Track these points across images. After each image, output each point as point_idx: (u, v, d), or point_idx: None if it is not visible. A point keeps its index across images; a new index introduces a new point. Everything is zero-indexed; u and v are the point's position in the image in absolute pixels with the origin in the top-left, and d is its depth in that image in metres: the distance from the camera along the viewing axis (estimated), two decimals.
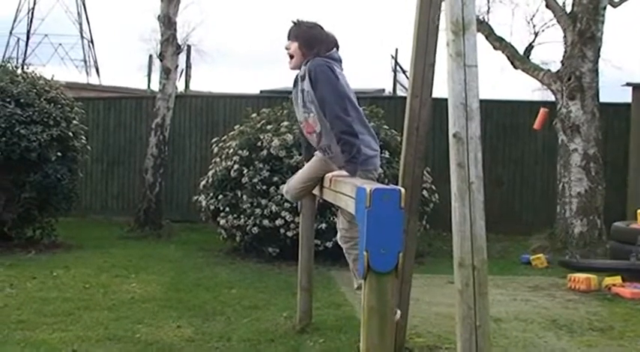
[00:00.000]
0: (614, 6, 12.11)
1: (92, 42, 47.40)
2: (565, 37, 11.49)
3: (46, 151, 9.96)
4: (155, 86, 15.22)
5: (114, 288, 7.57)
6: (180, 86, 16.20)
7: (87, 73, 44.23)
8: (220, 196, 9.82)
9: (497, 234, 11.16)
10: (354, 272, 4.78)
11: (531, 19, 13.34)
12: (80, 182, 11.46)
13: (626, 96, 13.36)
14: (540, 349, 5.78)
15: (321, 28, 4.63)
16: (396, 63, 17.68)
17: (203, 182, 10.31)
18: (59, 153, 10.16)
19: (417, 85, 4.89)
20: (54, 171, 10.06)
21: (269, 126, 9.88)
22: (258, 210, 9.41)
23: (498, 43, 12.55)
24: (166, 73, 12.97)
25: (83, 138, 10.91)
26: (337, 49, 4.63)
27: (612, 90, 13.63)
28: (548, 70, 11.97)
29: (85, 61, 46.63)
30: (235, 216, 9.61)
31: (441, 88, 4.86)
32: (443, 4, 4.42)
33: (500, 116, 13.74)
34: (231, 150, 9.90)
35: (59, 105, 10.49)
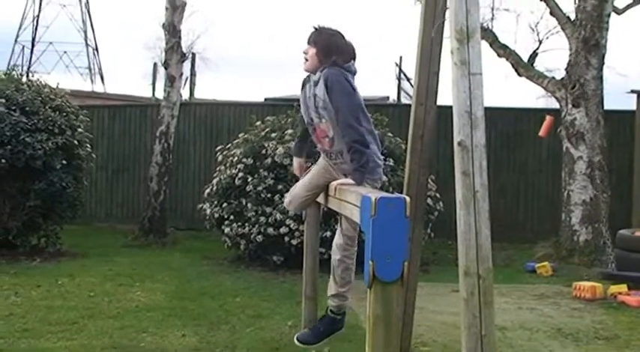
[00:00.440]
0: (619, 13, 12.11)
1: (97, 50, 47.60)
2: (569, 44, 11.49)
3: (51, 159, 9.97)
4: (160, 94, 15.22)
5: (118, 297, 7.57)
6: (185, 94, 16.22)
7: (92, 81, 44.43)
8: (225, 204, 9.81)
9: (501, 242, 11.13)
10: (336, 278, 4.75)
11: (535, 27, 13.33)
12: (85, 190, 11.47)
13: (630, 103, 13.36)
14: None
15: (342, 37, 4.64)
16: (400, 71, 17.69)
17: (207, 190, 10.31)
18: (64, 161, 10.18)
19: (421, 92, 4.89)
20: (59, 179, 10.07)
21: (273, 134, 9.88)
22: (262, 218, 9.40)
23: (502, 50, 12.55)
24: (171, 80, 12.99)
25: (88, 146, 10.93)
26: (354, 60, 4.65)
27: (617, 98, 13.62)
28: (553, 78, 11.96)
29: (90, 69, 46.84)
30: (240, 224, 9.60)
31: (445, 96, 4.87)
32: (447, 12, 4.42)
33: (505, 124, 13.72)
34: (236, 158, 9.90)
35: (64, 114, 10.51)
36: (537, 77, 12.18)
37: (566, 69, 11.49)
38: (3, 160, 9.66)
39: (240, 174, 9.68)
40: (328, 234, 8.74)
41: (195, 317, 6.69)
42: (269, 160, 9.56)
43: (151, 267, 9.54)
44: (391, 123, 10.95)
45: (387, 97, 17.96)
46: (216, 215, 9.95)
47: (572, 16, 11.54)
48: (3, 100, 9.93)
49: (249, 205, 9.53)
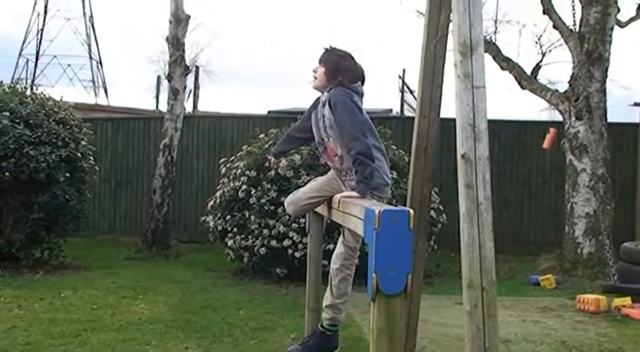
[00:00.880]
0: (622, 26, 12.12)
1: (101, 63, 47.69)
2: (572, 57, 11.50)
3: (54, 172, 9.98)
4: (163, 107, 15.29)
5: (121, 309, 7.56)
6: (189, 107, 16.26)
7: (95, 94, 44.49)
8: (228, 217, 9.81)
9: (505, 255, 11.11)
10: (332, 289, 4.74)
11: (539, 40, 13.36)
12: (88, 202, 11.49)
13: (633, 116, 13.37)
14: None
15: (352, 59, 4.71)
16: (404, 83, 17.72)
17: (211, 202, 10.31)
18: (68, 174, 10.19)
19: (424, 105, 4.89)
20: (62, 191, 10.09)
21: None
22: (265, 231, 9.40)
23: (506, 63, 12.57)
24: (174, 93, 13.03)
25: (91, 158, 10.95)
26: (363, 82, 4.69)
27: (620, 110, 13.65)
28: (556, 90, 11.97)
29: (94, 82, 46.89)
30: (243, 236, 9.60)
31: (447, 108, 4.88)
32: (450, 25, 4.43)
33: (508, 136, 13.73)
34: (239, 171, 9.91)
35: (68, 126, 10.54)
36: (540, 90, 12.19)
37: (569, 82, 11.50)
38: (7, 173, 9.67)
39: (244, 187, 9.69)
40: (332, 246, 8.71)
41: (198, 330, 6.68)
42: (272, 173, 9.56)
43: (154, 280, 9.53)
44: (394, 135, 10.97)
45: (391, 110, 17.99)
46: (220, 227, 9.95)
47: (576, 29, 11.55)
48: (7, 113, 9.96)
49: (252, 218, 9.54)
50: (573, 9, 8.55)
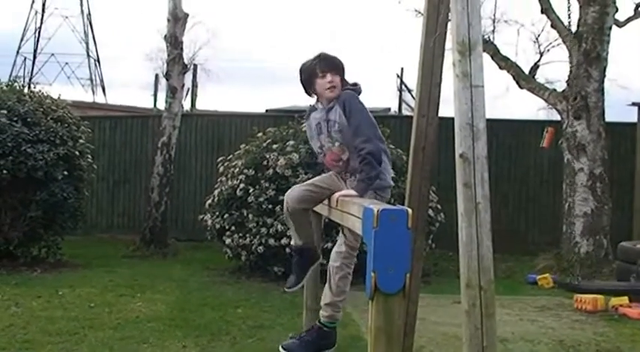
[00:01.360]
0: (620, 26, 12.13)
1: (98, 61, 47.69)
2: (570, 57, 11.52)
3: (52, 170, 9.98)
4: (161, 105, 15.27)
5: (119, 307, 7.56)
6: (187, 105, 16.26)
7: (93, 92, 44.50)
8: (226, 215, 9.81)
9: (502, 254, 11.10)
10: (332, 287, 4.72)
11: (537, 39, 13.37)
12: (86, 200, 11.48)
13: (631, 115, 13.38)
14: None
15: None
16: (402, 82, 17.72)
17: (209, 201, 10.31)
18: (65, 172, 10.19)
19: (423, 104, 4.88)
20: (60, 189, 10.08)
21: (275, 146, 9.89)
22: (263, 229, 9.40)
23: (504, 62, 12.58)
24: (173, 92, 13.02)
25: (89, 156, 10.95)
26: None
27: (618, 110, 13.65)
28: (554, 90, 11.99)
29: (92, 80, 46.91)
30: (241, 235, 9.60)
31: (445, 107, 4.89)
32: (449, 24, 4.43)
33: (506, 135, 13.75)
34: (237, 169, 9.91)
35: (66, 124, 10.53)
36: (539, 89, 12.21)
37: (567, 81, 11.51)
38: (4, 171, 9.67)
39: (242, 185, 9.69)
40: (329, 245, 8.73)
41: (196, 328, 6.68)
42: (270, 171, 9.57)
43: (152, 278, 9.53)
44: (392, 134, 10.95)
45: (389, 109, 18.00)
46: (218, 226, 9.95)
47: (574, 29, 11.56)
48: (5, 111, 9.96)
49: (250, 216, 9.54)
50: (569, 10, 8.56)
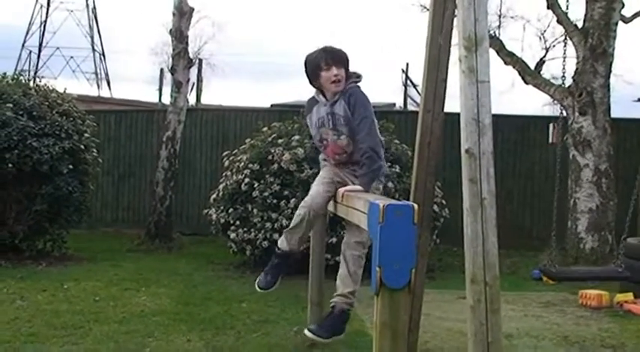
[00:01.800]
0: (626, 22, 12.09)
1: (103, 55, 47.76)
2: (577, 52, 11.48)
3: (57, 164, 9.99)
4: (166, 99, 15.27)
5: (124, 301, 7.57)
6: (192, 99, 16.27)
7: (98, 86, 44.56)
8: (231, 210, 9.81)
9: (507, 249, 11.10)
10: (353, 276, 4.70)
11: (542, 35, 13.34)
12: (91, 194, 11.48)
13: (637, 111, 13.41)
14: None
15: None
16: (407, 77, 17.70)
17: (214, 195, 10.31)
18: (71, 166, 10.20)
19: (429, 99, 4.88)
20: (65, 183, 10.09)
21: (280, 140, 9.88)
22: (268, 224, 9.40)
23: (509, 58, 12.55)
24: (178, 86, 13.02)
25: (94, 150, 10.96)
26: None
27: (624, 106, 13.61)
28: (560, 85, 11.95)
29: (97, 74, 46.99)
30: (246, 229, 9.60)
31: (450, 103, 4.89)
32: (455, 20, 4.43)
33: (512, 131, 13.72)
34: (242, 164, 9.90)
35: (71, 118, 10.54)
36: (544, 85, 12.18)
37: (573, 77, 11.47)
38: (10, 165, 9.69)
39: (247, 180, 9.69)
40: (334, 240, 8.74)
41: (201, 322, 6.69)
42: (275, 166, 9.56)
43: (157, 272, 9.54)
44: (397, 129, 10.95)
45: (394, 104, 17.98)
46: (222, 220, 9.95)
47: (580, 24, 11.53)
48: (10, 105, 9.97)
49: (255, 211, 9.54)
50: (567, 1, 8.52)
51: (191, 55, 13.30)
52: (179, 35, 12.97)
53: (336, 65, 4.67)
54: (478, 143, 3.83)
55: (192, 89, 15.43)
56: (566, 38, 10.89)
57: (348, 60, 4.75)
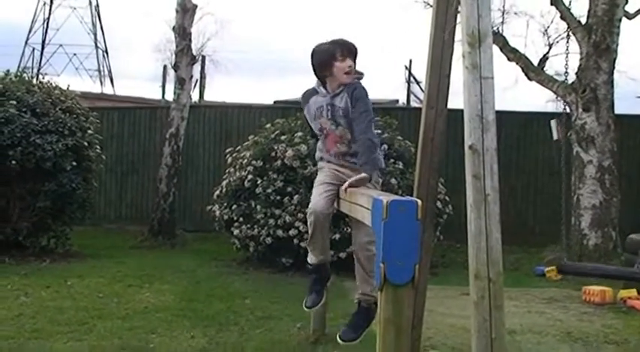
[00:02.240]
0: (630, 18, 12.06)
1: (106, 52, 47.72)
2: (580, 48, 11.46)
3: (61, 161, 10.00)
4: (169, 96, 15.26)
5: (127, 298, 7.58)
6: (195, 96, 16.25)
7: (101, 83, 44.55)
8: (234, 206, 9.83)
9: (510, 246, 11.07)
10: (370, 274, 4.70)
11: (546, 31, 13.31)
12: (94, 191, 11.49)
13: None
14: None
15: None
16: (410, 74, 17.67)
17: (217, 192, 10.32)
18: (74, 163, 10.21)
19: (432, 96, 4.88)
20: (69, 180, 10.11)
21: (283, 137, 9.89)
22: (271, 221, 9.41)
23: (513, 54, 12.52)
24: (181, 83, 13.03)
25: (98, 147, 10.96)
26: None
27: (627, 102, 13.61)
28: (563, 82, 11.93)
29: (100, 71, 46.96)
30: (249, 226, 9.61)
31: (453, 99, 4.90)
32: (459, 16, 4.43)
33: (515, 127, 13.71)
34: (245, 161, 9.91)
35: (74, 115, 10.55)
36: (547, 81, 12.15)
37: (576, 73, 11.45)
38: (13, 161, 9.70)
39: (250, 176, 9.70)
40: (337, 236, 8.75)
41: (204, 319, 6.70)
42: (278, 162, 9.57)
43: (160, 269, 9.56)
44: (400, 126, 10.94)
45: (397, 100, 17.96)
46: (226, 217, 9.96)
47: (583, 21, 11.50)
48: (14, 102, 9.97)
49: (258, 207, 9.55)
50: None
51: (194, 52, 13.31)
52: (182, 32, 12.98)
53: (350, 57, 4.75)
54: (481, 139, 3.83)
55: (195, 86, 15.45)
56: (569, 34, 10.89)
57: (357, 54, 4.81)
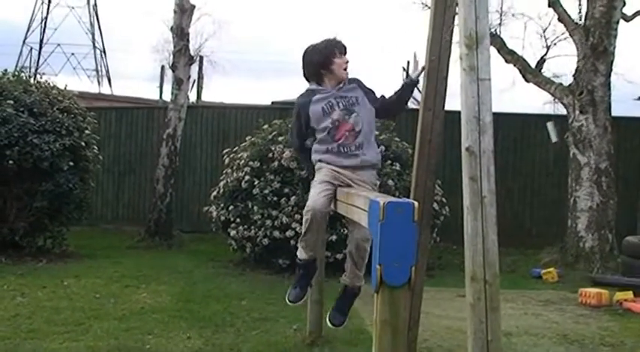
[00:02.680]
0: (627, 20, 12.08)
1: (104, 52, 47.78)
2: (577, 50, 11.48)
3: (58, 160, 9.99)
4: (167, 96, 15.27)
5: (124, 298, 7.58)
6: (192, 97, 16.26)
7: (99, 83, 44.59)
8: (231, 207, 9.82)
9: (507, 248, 11.10)
10: (362, 269, 4.87)
11: (544, 33, 13.33)
12: (91, 191, 11.47)
13: (638, 110, 13.39)
14: None
15: None
16: (408, 75, 17.67)
17: (214, 193, 10.32)
18: (71, 163, 10.19)
19: (429, 97, 4.89)
20: (66, 180, 10.09)
21: (280, 138, 9.89)
22: (268, 222, 9.41)
23: (510, 56, 12.54)
24: (178, 83, 13.02)
25: (95, 147, 10.95)
26: None
27: (624, 105, 13.60)
28: (560, 84, 11.95)
29: (97, 71, 47.01)
30: (246, 227, 9.61)
31: (451, 101, 4.91)
32: (456, 18, 4.43)
33: (512, 129, 13.72)
34: (243, 161, 9.91)
35: (72, 115, 10.53)
36: (545, 83, 12.17)
37: (574, 75, 11.47)
38: (10, 161, 9.68)
39: (247, 177, 9.69)
40: (334, 237, 8.76)
41: (201, 320, 6.69)
42: (276, 163, 9.57)
43: (157, 269, 9.55)
44: (398, 127, 10.93)
45: None
46: (223, 218, 9.96)
47: (581, 23, 11.52)
48: (11, 102, 9.96)
49: (255, 208, 9.54)
50: (579, 5, 8.53)
51: (192, 53, 13.30)
52: (180, 32, 12.98)
53: (345, 53, 4.93)
54: (478, 141, 3.84)
55: (192, 86, 15.44)
56: (566, 36, 10.92)
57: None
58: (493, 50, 12.16)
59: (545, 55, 12.95)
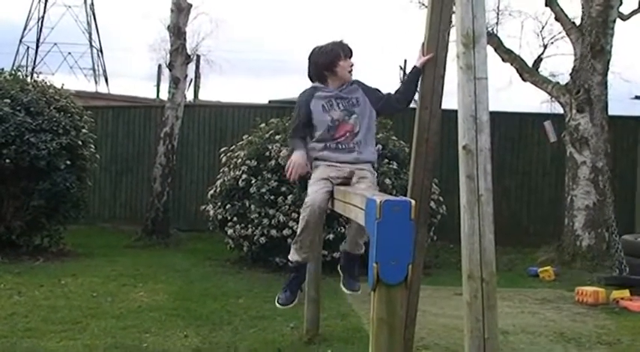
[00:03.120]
0: (624, 19, 12.10)
1: (101, 51, 47.75)
2: (574, 49, 11.49)
3: (55, 159, 9.98)
4: (164, 95, 15.27)
5: (121, 297, 7.57)
6: (189, 96, 16.26)
7: (96, 82, 44.56)
8: (228, 206, 9.82)
9: (504, 246, 11.12)
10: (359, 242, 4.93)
11: (541, 32, 13.35)
12: (89, 190, 11.47)
13: (635, 109, 13.43)
14: None
15: None
16: (405, 74, 17.69)
17: (211, 191, 10.32)
18: (68, 162, 10.19)
19: (426, 96, 4.88)
20: (63, 179, 10.08)
21: (277, 137, 9.89)
22: (265, 220, 9.41)
23: (507, 55, 12.55)
24: (175, 82, 13.02)
25: (92, 146, 10.94)
26: None
27: (621, 103, 13.62)
28: (557, 83, 11.96)
29: (94, 70, 46.97)
30: (243, 225, 9.61)
31: (448, 99, 4.92)
32: (453, 17, 4.43)
33: (509, 128, 13.74)
34: (240, 160, 9.91)
35: (69, 114, 10.53)
36: (542, 82, 12.19)
37: (570, 74, 11.49)
38: (7, 160, 9.68)
39: (244, 176, 9.70)
40: (331, 236, 8.77)
41: (198, 318, 6.69)
42: (273, 162, 9.58)
43: (154, 268, 9.55)
44: (395, 126, 10.95)
45: None
46: (220, 216, 9.96)
47: (578, 22, 11.54)
48: (8, 101, 9.95)
49: (252, 207, 9.54)
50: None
51: (189, 51, 13.31)
52: (177, 31, 12.98)
53: (350, 56, 4.97)
54: (475, 140, 3.84)
55: (189, 85, 15.44)
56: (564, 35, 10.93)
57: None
58: (490, 49, 12.18)
59: (542, 54, 12.98)
